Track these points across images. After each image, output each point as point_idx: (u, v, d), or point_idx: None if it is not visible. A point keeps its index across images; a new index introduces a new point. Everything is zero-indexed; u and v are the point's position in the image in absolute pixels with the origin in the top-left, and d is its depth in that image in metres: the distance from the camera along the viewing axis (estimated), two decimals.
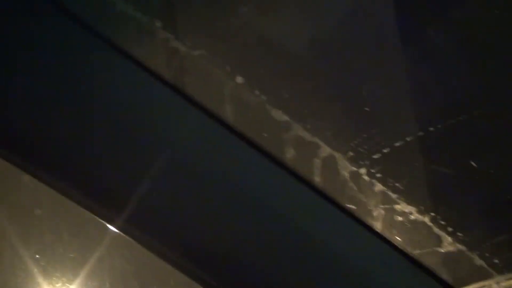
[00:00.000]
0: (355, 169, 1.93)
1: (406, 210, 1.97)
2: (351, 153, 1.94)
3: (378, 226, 1.86)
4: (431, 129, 1.96)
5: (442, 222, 2.00)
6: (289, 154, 1.85)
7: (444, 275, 1.79)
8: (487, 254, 2.06)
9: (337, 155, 1.90)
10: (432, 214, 1.99)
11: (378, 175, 1.96)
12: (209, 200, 0.85)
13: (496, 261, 2.06)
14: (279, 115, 1.84)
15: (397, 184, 1.97)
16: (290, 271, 0.90)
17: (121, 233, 0.91)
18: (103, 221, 0.88)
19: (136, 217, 0.83)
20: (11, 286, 2.98)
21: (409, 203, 1.97)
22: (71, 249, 3.01)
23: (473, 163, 1.98)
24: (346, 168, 1.91)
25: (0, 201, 2.80)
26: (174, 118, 0.86)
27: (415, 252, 1.89)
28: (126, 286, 3.21)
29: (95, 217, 0.87)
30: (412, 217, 1.96)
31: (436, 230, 1.99)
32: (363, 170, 1.94)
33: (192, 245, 0.86)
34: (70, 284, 2.98)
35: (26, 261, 2.93)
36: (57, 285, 2.90)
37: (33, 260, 2.93)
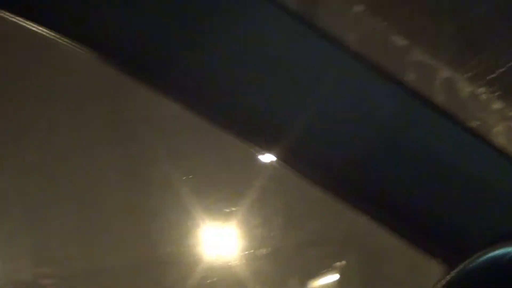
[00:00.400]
0: (473, 88, 1.98)
1: None
2: (469, 74, 1.99)
3: (498, 141, 1.91)
4: None
5: None
6: (410, 77, 1.92)
7: None
8: None
9: (456, 76, 1.96)
10: None
11: (496, 93, 2.00)
12: (343, 129, 0.92)
13: None
14: (399, 40, 1.91)
15: None
16: (416, 188, 0.98)
17: (268, 162, 0.95)
18: (253, 149, 0.95)
19: (288, 147, 0.90)
20: (161, 205, 3.19)
21: None
22: (219, 172, 3.20)
23: None
24: (465, 88, 1.97)
25: (154, 129, 3.03)
26: (300, 47, 0.94)
27: None
28: (269, 206, 3.36)
29: (240, 144, 0.94)
30: None
31: None
32: (481, 90, 1.99)
33: (348, 175, 0.93)
34: (218, 202, 3.18)
35: (175, 182, 3.14)
36: (208, 202, 3.14)
37: (182, 181, 3.15)
